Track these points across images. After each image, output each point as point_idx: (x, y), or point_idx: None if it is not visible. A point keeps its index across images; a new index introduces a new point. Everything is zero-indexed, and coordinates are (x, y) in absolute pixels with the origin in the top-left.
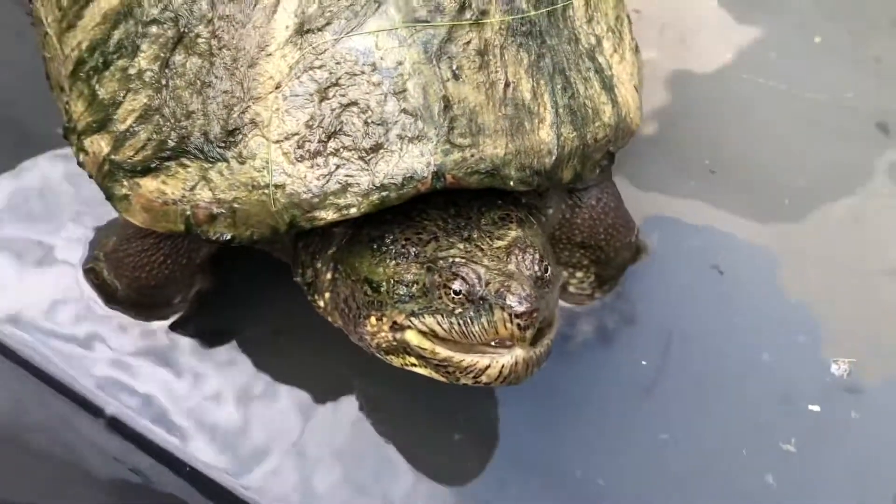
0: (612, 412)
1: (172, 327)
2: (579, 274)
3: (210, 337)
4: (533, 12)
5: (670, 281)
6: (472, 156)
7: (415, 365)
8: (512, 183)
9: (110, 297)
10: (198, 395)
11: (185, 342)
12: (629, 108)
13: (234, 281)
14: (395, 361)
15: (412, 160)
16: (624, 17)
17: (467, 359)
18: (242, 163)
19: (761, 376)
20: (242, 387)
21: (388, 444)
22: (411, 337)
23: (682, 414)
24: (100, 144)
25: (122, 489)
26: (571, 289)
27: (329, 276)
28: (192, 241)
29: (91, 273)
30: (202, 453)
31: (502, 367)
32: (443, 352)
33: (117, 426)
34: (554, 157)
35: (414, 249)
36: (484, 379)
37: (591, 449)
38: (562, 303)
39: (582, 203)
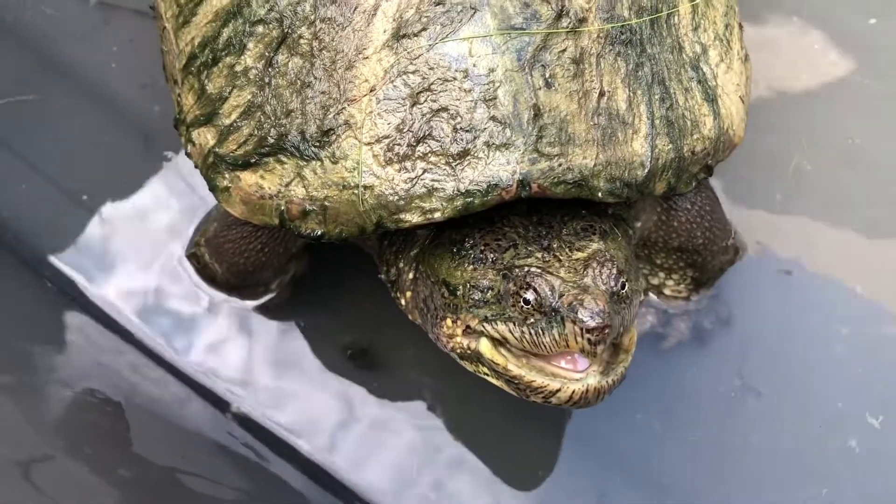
0: (705, 414)
1: (266, 308)
2: (675, 276)
3: (300, 321)
4: (634, 20)
5: (767, 283)
6: (560, 165)
7: (487, 375)
8: (600, 195)
9: (211, 279)
10: (292, 382)
11: (276, 324)
12: (732, 119)
13: (328, 268)
14: (469, 367)
15: (498, 168)
16: (734, 24)
17: (538, 380)
18: (335, 162)
19: (851, 384)
20: (330, 376)
21: (472, 446)
22: (485, 349)
23: (774, 417)
24: (206, 137)
25: (238, 465)
26: (667, 291)
27: (411, 275)
28: (286, 231)
29: (193, 258)
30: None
31: (573, 392)
32: (514, 369)
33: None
34: (647, 170)
35: (492, 255)
36: (553, 401)
37: (682, 451)
38: (658, 303)
39: (678, 207)
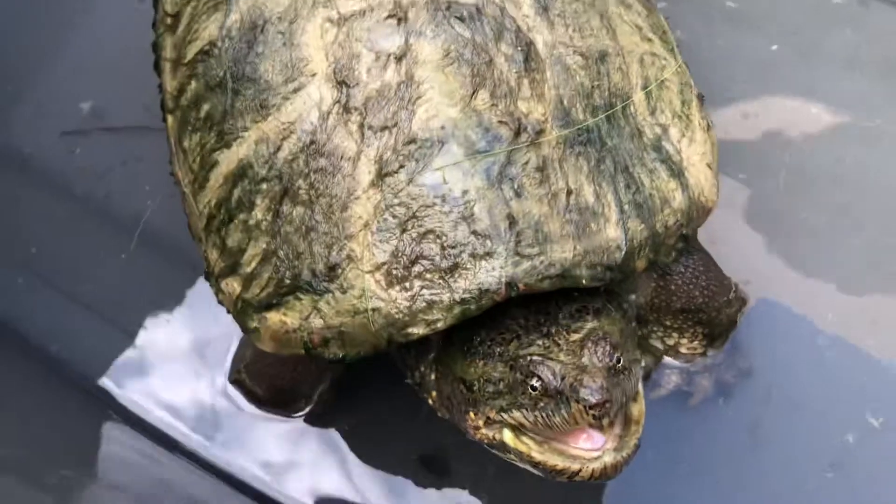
0: (735, 469)
1: (310, 418)
2: (687, 334)
3: (345, 426)
4: (590, 120)
5: (784, 332)
6: (542, 262)
7: (514, 461)
8: (585, 281)
9: (255, 399)
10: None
11: (320, 432)
12: (702, 188)
13: (363, 373)
14: (499, 454)
15: (485, 275)
16: (692, 98)
17: (560, 464)
18: (344, 293)
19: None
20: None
21: None
22: (508, 440)
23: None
24: (233, 286)
25: None
26: (683, 350)
27: (432, 377)
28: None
29: (237, 383)
30: None
31: (592, 471)
32: (538, 456)
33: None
34: (623, 252)
35: (499, 349)
36: (577, 479)
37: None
38: (675, 363)
39: (672, 272)
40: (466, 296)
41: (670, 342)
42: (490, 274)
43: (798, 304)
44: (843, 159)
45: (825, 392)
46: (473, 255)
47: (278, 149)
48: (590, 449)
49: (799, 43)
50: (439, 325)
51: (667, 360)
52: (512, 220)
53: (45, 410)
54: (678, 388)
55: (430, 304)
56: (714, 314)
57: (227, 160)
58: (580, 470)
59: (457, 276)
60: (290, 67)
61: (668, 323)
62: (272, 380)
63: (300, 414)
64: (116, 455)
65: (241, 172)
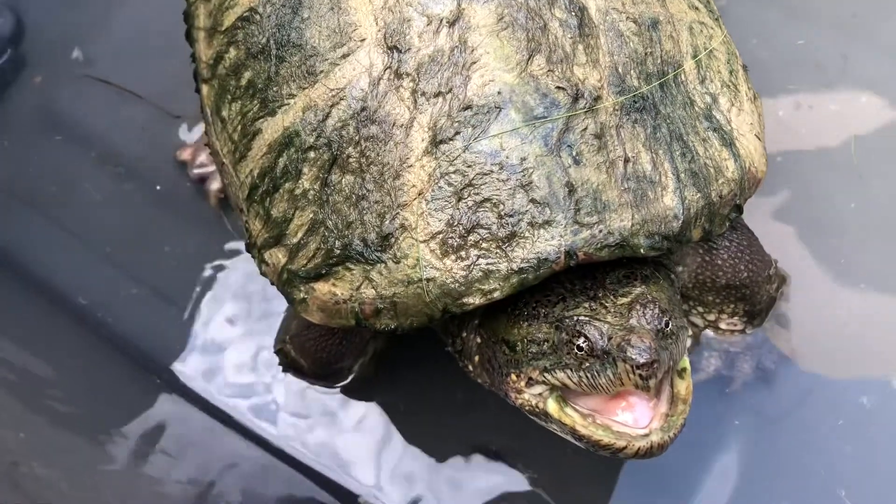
0: (774, 458)
1: (351, 389)
2: (728, 310)
3: (384, 397)
4: (645, 87)
5: (825, 314)
6: (601, 231)
7: (556, 430)
8: (643, 250)
9: (299, 371)
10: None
11: (360, 403)
12: (752, 158)
13: (405, 345)
14: (539, 422)
15: (544, 244)
16: (738, 68)
17: (605, 440)
18: (397, 262)
19: None
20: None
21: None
22: (552, 410)
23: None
24: (277, 256)
25: None
26: (723, 325)
27: (474, 341)
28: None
29: (281, 353)
30: None
31: (638, 448)
32: (581, 430)
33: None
34: (681, 221)
35: (543, 311)
36: (620, 455)
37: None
38: (717, 343)
39: (718, 246)
40: (525, 265)
41: (711, 318)
42: (549, 243)
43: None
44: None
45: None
46: (532, 224)
47: (327, 116)
48: (636, 426)
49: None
50: (496, 294)
51: (707, 342)
52: (571, 188)
53: (99, 377)
54: (718, 372)
55: (487, 274)
56: (756, 289)
57: (272, 128)
58: (626, 447)
59: (514, 245)
60: (338, 33)
61: (710, 299)
62: (317, 352)
63: (341, 384)
64: (164, 421)
65: (287, 141)
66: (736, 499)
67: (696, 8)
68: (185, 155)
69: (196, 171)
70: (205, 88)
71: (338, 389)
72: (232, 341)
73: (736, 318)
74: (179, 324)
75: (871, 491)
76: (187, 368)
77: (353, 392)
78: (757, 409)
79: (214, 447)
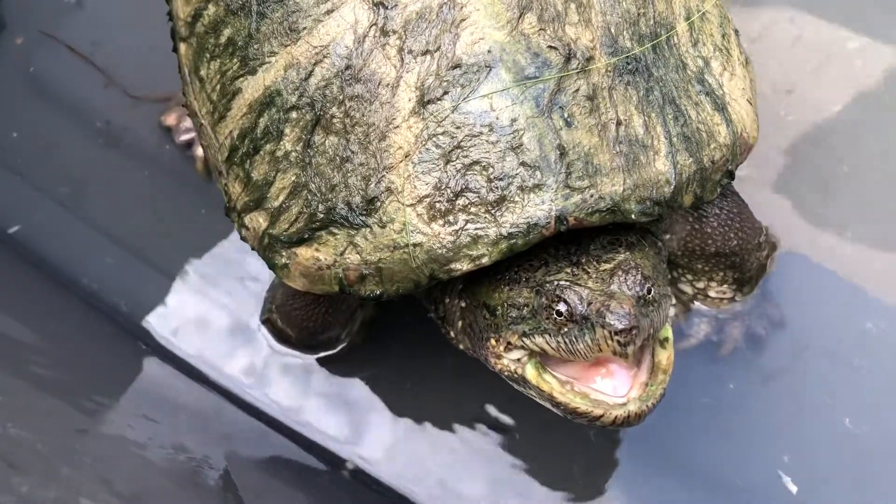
0: (762, 417)
1: (339, 358)
2: (717, 278)
3: (373, 363)
4: (637, 49)
5: (815, 282)
6: (592, 196)
7: (534, 396)
8: (634, 216)
9: (286, 341)
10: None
11: (347, 371)
12: (744, 123)
13: (393, 313)
14: (517, 388)
15: (534, 208)
16: (730, 32)
17: (582, 407)
18: (383, 227)
19: None
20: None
21: (529, 462)
22: (530, 376)
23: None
24: (258, 220)
25: None
26: (712, 294)
27: (458, 305)
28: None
29: (268, 323)
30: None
31: (615, 417)
32: (559, 397)
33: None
34: (672, 186)
35: (525, 275)
36: (598, 423)
37: (739, 455)
38: (706, 309)
39: (708, 214)
40: (514, 230)
41: (700, 286)
42: (539, 207)
43: (821, 255)
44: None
45: (855, 342)
46: (522, 188)
47: (310, 74)
48: (615, 395)
49: None
50: (484, 260)
51: (697, 308)
52: (562, 151)
53: (82, 341)
54: (708, 337)
55: (476, 239)
56: (746, 257)
57: (252, 87)
58: (603, 415)
59: (504, 209)
60: None
61: (699, 267)
62: (303, 321)
63: (329, 353)
64: (149, 387)
65: (268, 100)
66: (737, 460)
67: None
68: (170, 120)
69: (182, 136)
70: (182, 47)
71: (326, 358)
72: (219, 307)
73: (725, 285)
74: (166, 290)
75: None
76: (174, 334)
77: (341, 360)
78: (750, 373)
79: (200, 413)
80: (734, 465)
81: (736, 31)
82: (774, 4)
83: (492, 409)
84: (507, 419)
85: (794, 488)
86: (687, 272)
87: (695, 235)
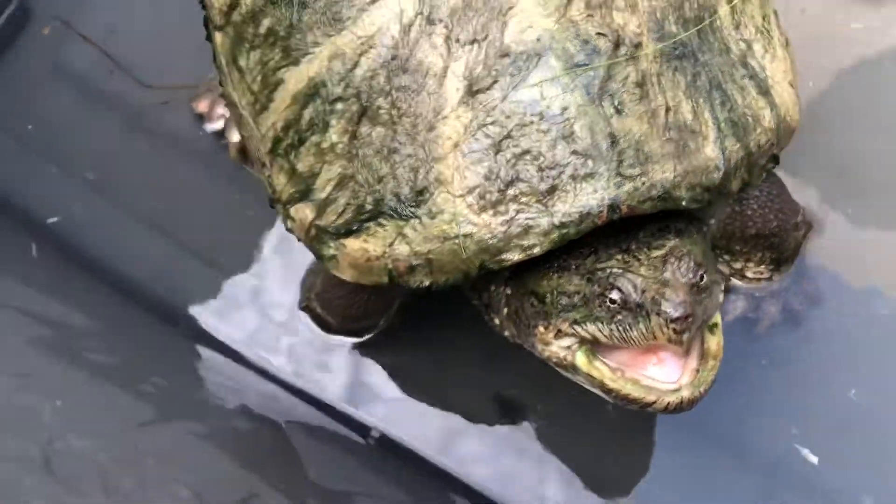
0: (802, 394)
1: (377, 340)
2: (755, 258)
3: (409, 349)
4: (683, 33)
5: (850, 257)
6: (644, 184)
7: (583, 383)
8: (685, 203)
9: (326, 328)
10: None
11: (386, 353)
12: (787, 107)
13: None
14: (566, 375)
15: (587, 197)
16: (770, 13)
17: (634, 394)
18: (433, 218)
19: None
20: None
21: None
22: (581, 363)
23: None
24: (304, 212)
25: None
26: (749, 274)
27: (504, 293)
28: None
29: (307, 310)
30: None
31: (668, 403)
32: (610, 383)
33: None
34: (722, 172)
35: (575, 263)
36: (650, 410)
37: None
38: (743, 286)
39: (749, 196)
40: (566, 219)
41: (737, 266)
42: (591, 196)
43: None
44: None
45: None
46: (573, 177)
47: (355, 65)
48: (666, 381)
49: None
50: (536, 250)
51: (734, 285)
52: (613, 139)
53: (129, 330)
54: (744, 314)
55: (527, 229)
56: (784, 237)
57: (296, 78)
58: (655, 401)
59: (555, 198)
60: None
61: (737, 248)
62: (344, 309)
63: (367, 337)
64: (199, 374)
65: (313, 91)
66: (770, 435)
67: None
68: (202, 107)
69: (214, 123)
70: (218, 36)
71: (364, 342)
72: (255, 290)
73: (763, 266)
74: (201, 274)
75: None
76: (214, 320)
77: (379, 343)
78: (785, 349)
79: (241, 395)
80: (760, 441)
81: (775, 12)
82: None
83: (525, 394)
84: (538, 404)
85: (814, 459)
86: (725, 253)
87: (735, 218)
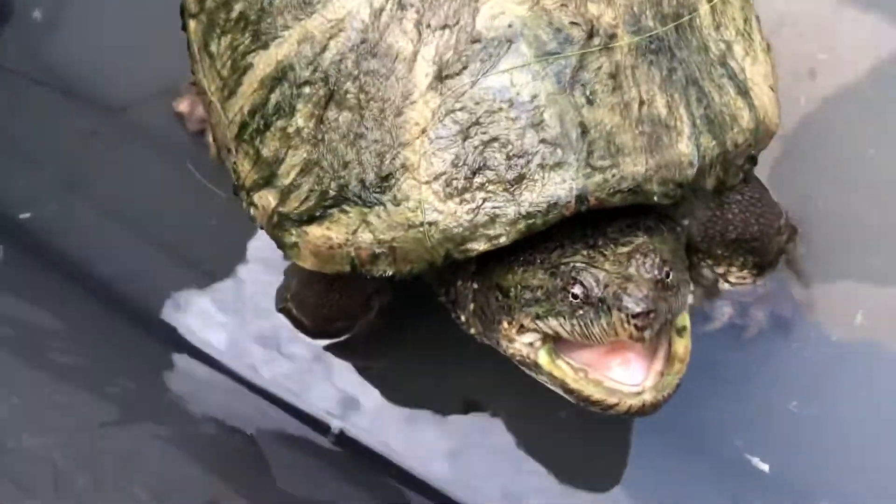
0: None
1: (354, 342)
2: (737, 263)
3: (386, 351)
4: (660, 28)
5: (840, 263)
6: (613, 176)
7: (546, 382)
8: (656, 198)
9: (303, 329)
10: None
11: (370, 351)
12: (766, 109)
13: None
14: (529, 373)
15: (554, 187)
16: (752, 17)
17: (596, 395)
18: (397, 205)
19: None
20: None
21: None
22: (543, 362)
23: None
24: (267, 199)
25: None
26: (732, 279)
27: (470, 287)
28: (359, 277)
29: (284, 311)
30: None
31: (629, 406)
32: (572, 384)
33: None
34: (695, 168)
35: (540, 256)
36: (611, 412)
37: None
38: (730, 292)
39: (729, 200)
40: (533, 209)
41: (720, 270)
42: (559, 186)
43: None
44: None
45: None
46: (542, 166)
47: (324, 49)
48: (629, 384)
49: None
50: (502, 240)
51: (721, 291)
52: (584, 129)
53: (98, 331)
54: (732, 320)
55: (493, 218)
56: (766, 242)
57: (264, 62)
58: (617, 404)
59: (523, 187)
60: None
61: (719, 252)
62: (318, 310)
63: (345, 337)
64: (167, 376)
65: (281, 75)
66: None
67: None
68: (182, 107)
69: (195, 124)
70: (192, 24)
71: (339, 343)
72: (228, 294)
73: (745, 270)
74: (174, 276)
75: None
76: (188, 322)
77: (350, 343)
78: (772, 356)
79: (209, 398)
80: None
81: (757, 17)
82: None
83: (494, 394)
84: (513, 406)
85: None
86: (707, 257)
87: (716, 221)
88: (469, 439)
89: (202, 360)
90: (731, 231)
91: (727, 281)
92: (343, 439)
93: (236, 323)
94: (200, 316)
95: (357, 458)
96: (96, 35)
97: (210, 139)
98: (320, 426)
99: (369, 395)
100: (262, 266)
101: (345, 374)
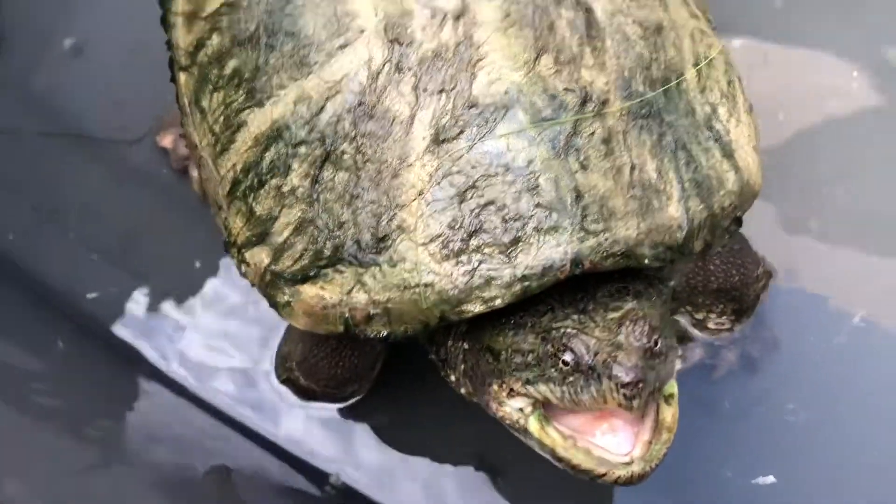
0: (759, 442)
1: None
2: (716, 310)
3: (384, 410)
4: (650, 93)
5: (807, 305)
6: (607, 240)
7: (535, 447)
8: (647, 261)
9: (310, 396)
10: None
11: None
12: (751, 171)
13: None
14: (518, 436)
15: (550, 250)
16: (735, 79)
17: (584, 464)
18: (393, 266)
19: None
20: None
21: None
22: (533, 429)
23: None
24: (260, 256)
25: None
26: (711, 325)
27: (461, 348)
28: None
29: (288, 382)
30: None
31: (618, 477)
32: (561, 452)
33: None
34: (685, 232)
35: (531, 320)
36: (598, 481)
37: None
38: (702, 336)
39: (710, 252)
40: (528, 272)
41: (699, 317)
42: (555, 250)
43: (818, 281)
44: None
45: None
46: (537, 229)
47: (321, 109)
48: (618, 453)
49: None
50: (497, 302)
51: (690, 333)
52: (578, 194)
53: (79, 368)
54: (702, 360)
55: (489, 281)
56: (745, 290)
57: (259, 120)
58: (605, 474)
59: (518, 250)
60: (335, 22)
61: (699, 300)
62: (331, 370)
63: (355, 399)
64: (150, 414)
65: (276, 134)
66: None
67: (696, 16)
68: (166, 142)
69: (179, 161)
70: (182, 77)
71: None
72: (214, 331)
73: (724, 317)
74: (158, 313)
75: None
76: (170, 358)
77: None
78: (745, 392)
79: (193, 438)
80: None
81: (739, 79)
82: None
83: (492, 454)
84: (504, 464)
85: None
86: (687, 304)
87: (697, 273)
88: (473, 492)
89: (186, 397)
90: (713, 281)
91: (706, 327)
92: (343, 490)
93: (218, 361)
94: (184, 353)
95: None
96: (86, 57)
97: (193, 174)
98: (318, 476)
99: (370, 448)
100: (250, 301)
101: (344, 428)
